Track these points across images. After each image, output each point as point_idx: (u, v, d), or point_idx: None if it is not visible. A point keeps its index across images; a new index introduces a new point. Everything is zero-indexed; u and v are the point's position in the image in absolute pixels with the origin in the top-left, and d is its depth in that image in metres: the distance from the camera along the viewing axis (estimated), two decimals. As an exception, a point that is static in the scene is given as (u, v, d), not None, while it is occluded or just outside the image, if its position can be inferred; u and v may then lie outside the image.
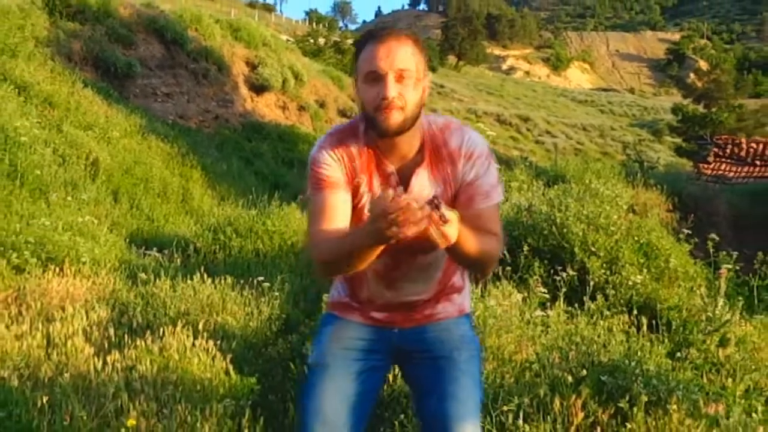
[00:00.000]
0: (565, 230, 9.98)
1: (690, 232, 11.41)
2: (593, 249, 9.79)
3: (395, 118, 3.28)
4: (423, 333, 3.71)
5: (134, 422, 4.88)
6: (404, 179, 3.48)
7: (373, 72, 3.30)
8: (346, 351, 3.67)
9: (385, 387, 5.52)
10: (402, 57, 3.30)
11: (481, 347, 4.12)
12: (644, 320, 7.32)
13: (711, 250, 9.75)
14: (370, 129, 3.43)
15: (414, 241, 3.12)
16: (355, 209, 3.47)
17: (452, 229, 3.04)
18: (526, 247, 9.75)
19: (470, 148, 3.48)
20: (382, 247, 3.17)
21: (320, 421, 3.54)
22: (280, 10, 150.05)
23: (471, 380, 3.61)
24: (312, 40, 65.48)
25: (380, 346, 3.71)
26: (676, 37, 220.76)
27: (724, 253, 9.72)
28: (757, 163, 28.40)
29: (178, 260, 11.47)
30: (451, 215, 3.05)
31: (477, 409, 3.59)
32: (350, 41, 66.99)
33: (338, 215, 3.40)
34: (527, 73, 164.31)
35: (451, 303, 3.76)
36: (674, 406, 5.20)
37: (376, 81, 3.30)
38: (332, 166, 3.46)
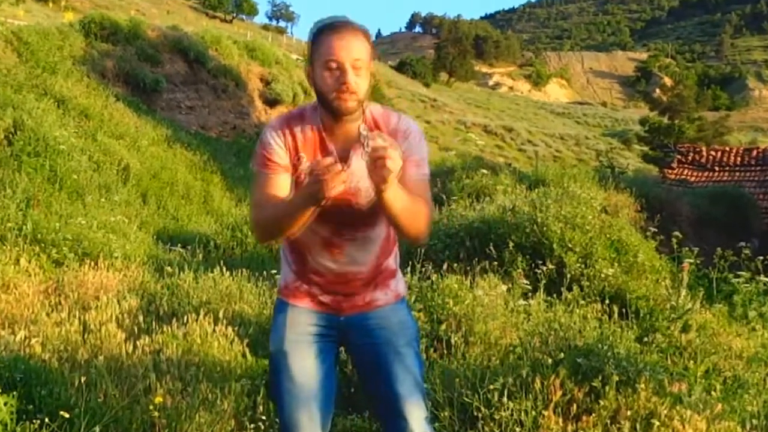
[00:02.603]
0: (545, 228, 9.99)
1: (656, 230, 11.44)
2: (570, 245, 9.80)
3: (351, 101, 3.38)
4: (365, 320, 3.70)
5: (161, 399, 4.89)
6: (344, 157, 3.49)
7: (333, 61, 3.36)
8: (301, 336, 3.66)
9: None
10: (357, 48, 3.38)
11: (420, 329, 4.13)
12: (615, 309, 7.34)
13: (675, 246, 9.78)
14: (325, 111, 3.50)
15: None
16: (296, 184, 3.49)
17: (394, 161, 3.10)
18: (510, 244, 9.77)
19: (405, 127, 3.58)
20: (314, 210, 3.28)
21: (293, 405, 3.58)
22: (291, 32, 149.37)
23: (410, 361, 3.65)
24: (319, 59, 65.32)
25: (329, 330, 3.70)
26: (644, 56, 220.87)
27: (687, 249, 9.76)
28: (716, 168, 28.39)
29: (200, 255, 11.50)
30: (388, 143, 3.17)
31: (419, 386, 3.65)
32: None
33: (280, 190, 3.47)
34: (511, 88, 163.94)
35: (388, 289, 3.75)
36: (642, 385, 5.21)
37: (334, 69, 3.37)
38: (278, 152, 3.53)
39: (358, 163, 3.47)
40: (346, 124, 3.48)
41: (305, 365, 3.61)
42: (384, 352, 3.65)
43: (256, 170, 3.60)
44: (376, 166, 3.08)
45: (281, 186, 3.48)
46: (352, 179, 3.44)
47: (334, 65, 3.37)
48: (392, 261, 3.81)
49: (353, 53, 3.37)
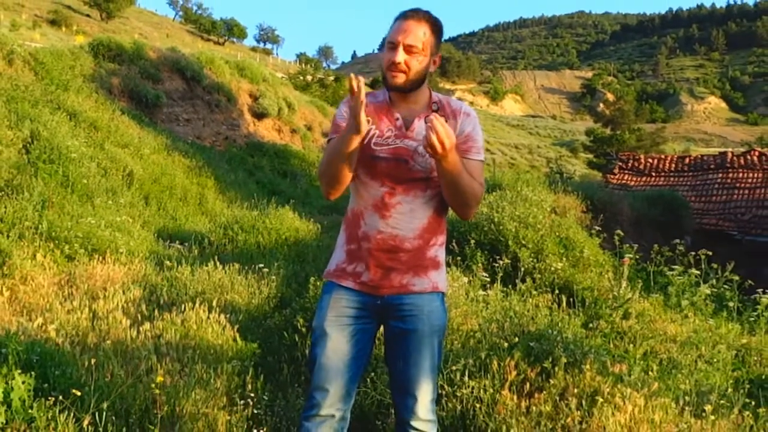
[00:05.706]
0: (501, 227, 10.02)
1: (600, 228, 11.49)
2: (523, 242, 9.83)
3: (398, 78, 3.57)
4: (400, 305, 3.68)
5: (162, 379, 4.88)
6: (408, 123, 3.64)
7: (391, 42, 3.58)
8: (340, 318, 3.67)
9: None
10: (414, 34, 3.54)
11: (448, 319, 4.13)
12: (564, 298, 7.38)
13: (616, 243, 9.82)
14: (383, 83, 3.68)
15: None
16: (364, 144, 3.57)
17: (448, 136, 3.22)
18: (471, 241, 9.79)
19: (468, 111, 3.74)
20: (358, 141, 3.40)
21: (323, 376, 3.63)
22: (277, 53, 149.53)
23: (430, 350, 3.69)
24: (302, 77, 65.09)
25: (366, 312, 3.70)
26: (589, 74, 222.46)
27: (627, 245, 9.80)
28: (653, 174, 28.56)
29: (196, 251, 11.46)
30: (444, 123, 3.24)
31: (433, 372, 3.70)
32: (332, 78, 66.98)
33: None
34: (471, 103, 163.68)
35: (427, 278, 3.71)
36: (587, 366, 5.24)
37: (392, 48, 3.56)
38: (344, 116, 3.60)
39: (420, 126, 3.62)
40: (410, 103, 3.68)
41: (339, 345, 3.65)
42: (409, 337, 3.69)
43: (327, 141, 3.75)
44: (429, 137, 3.21)
45: None
46: (414, 141, 3.60)
47: (391, 45, 3.58)
48: (439, 251, 3.81)
49: (408, 39, 3.53)
